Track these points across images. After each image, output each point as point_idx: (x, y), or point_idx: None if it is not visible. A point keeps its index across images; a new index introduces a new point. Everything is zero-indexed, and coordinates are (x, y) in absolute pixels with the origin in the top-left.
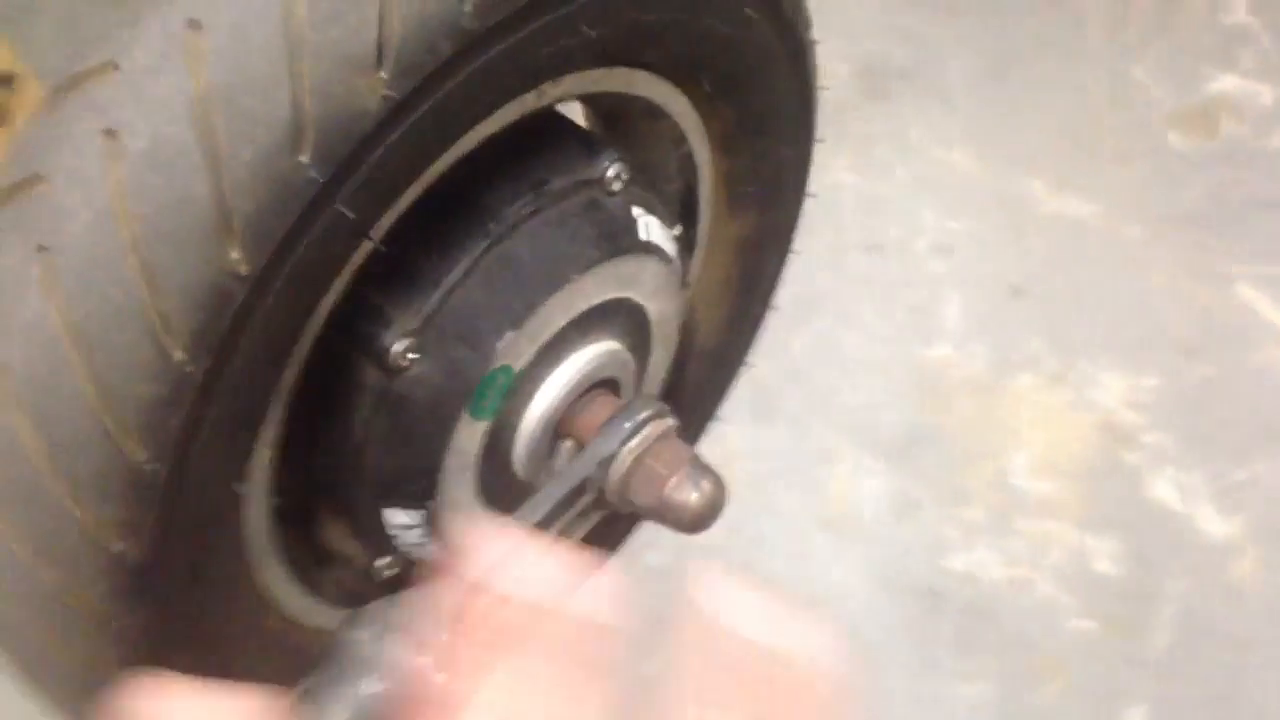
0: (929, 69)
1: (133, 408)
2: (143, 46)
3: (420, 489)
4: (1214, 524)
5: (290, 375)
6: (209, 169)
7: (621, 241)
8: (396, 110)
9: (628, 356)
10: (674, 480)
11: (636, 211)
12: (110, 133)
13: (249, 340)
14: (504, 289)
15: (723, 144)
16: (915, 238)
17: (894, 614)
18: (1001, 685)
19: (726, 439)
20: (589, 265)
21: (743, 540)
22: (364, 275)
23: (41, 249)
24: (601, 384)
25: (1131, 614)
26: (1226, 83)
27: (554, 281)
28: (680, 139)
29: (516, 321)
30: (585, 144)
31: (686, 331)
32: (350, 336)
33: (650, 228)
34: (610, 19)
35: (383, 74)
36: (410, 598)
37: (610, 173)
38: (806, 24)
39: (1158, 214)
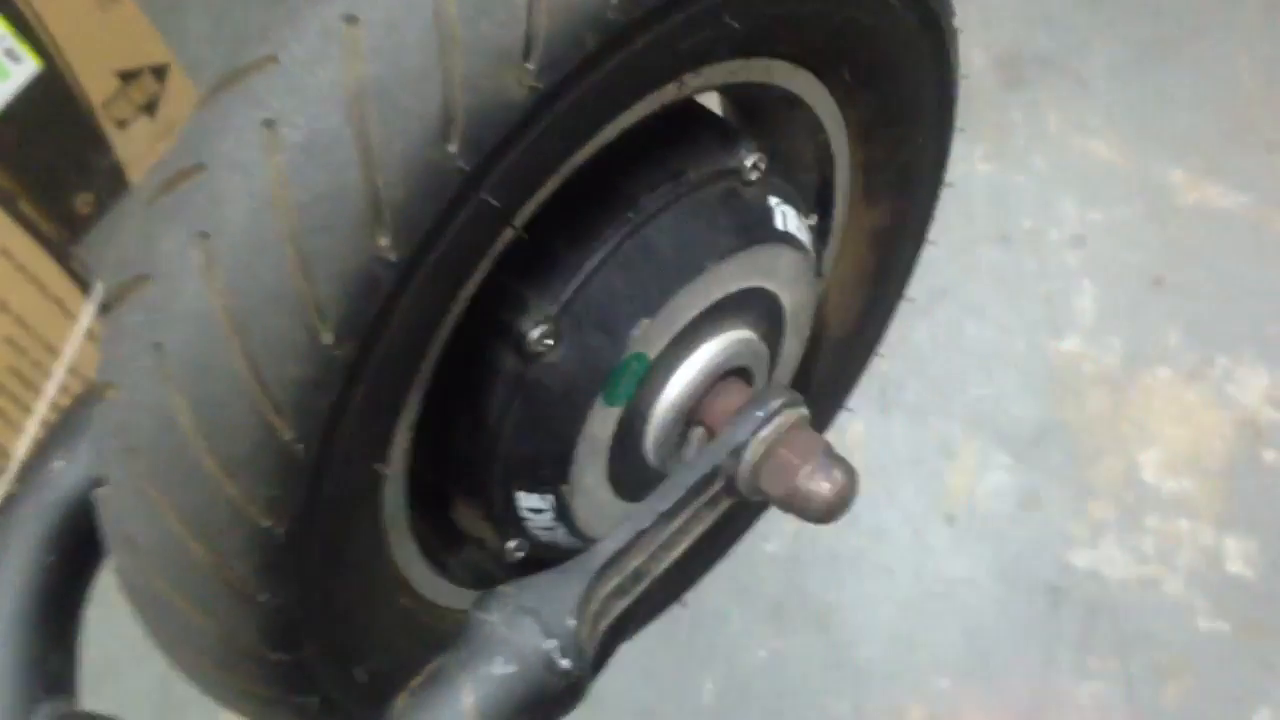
0: (1071, 55)
1: (284, 389)
2: (300, 40)
3: (552, 474)
4: None
5: (431, 359)
6: (362, 159)
7: (758, 231)
8: (542, 101)
9: (761, 345)
10: (806, 469)
11: (773, 201)
12: (269, 123)
13: (395, 325)
14: (640, 277)
15: (861, 134)
16: (1049, 228)
17: (1016, 610)
18: (1125, 685)
19: (847, 428)
20: (725, 254)
21: (862, 532)
22: (504, 262)
23: (202, 235)
24: (734, 372)
25: (1265, 616)
26: None
27: (690, 270)
28: (818, 128)
29: (651, 309)
30: (724, 134)
31: (819, 321)
32: (489, 322)
33: (787, 217)
34: (752, 10)
35: (530, 66)
36: (540, 582)
37: (748, 163)
38: (950, 12)
39: None
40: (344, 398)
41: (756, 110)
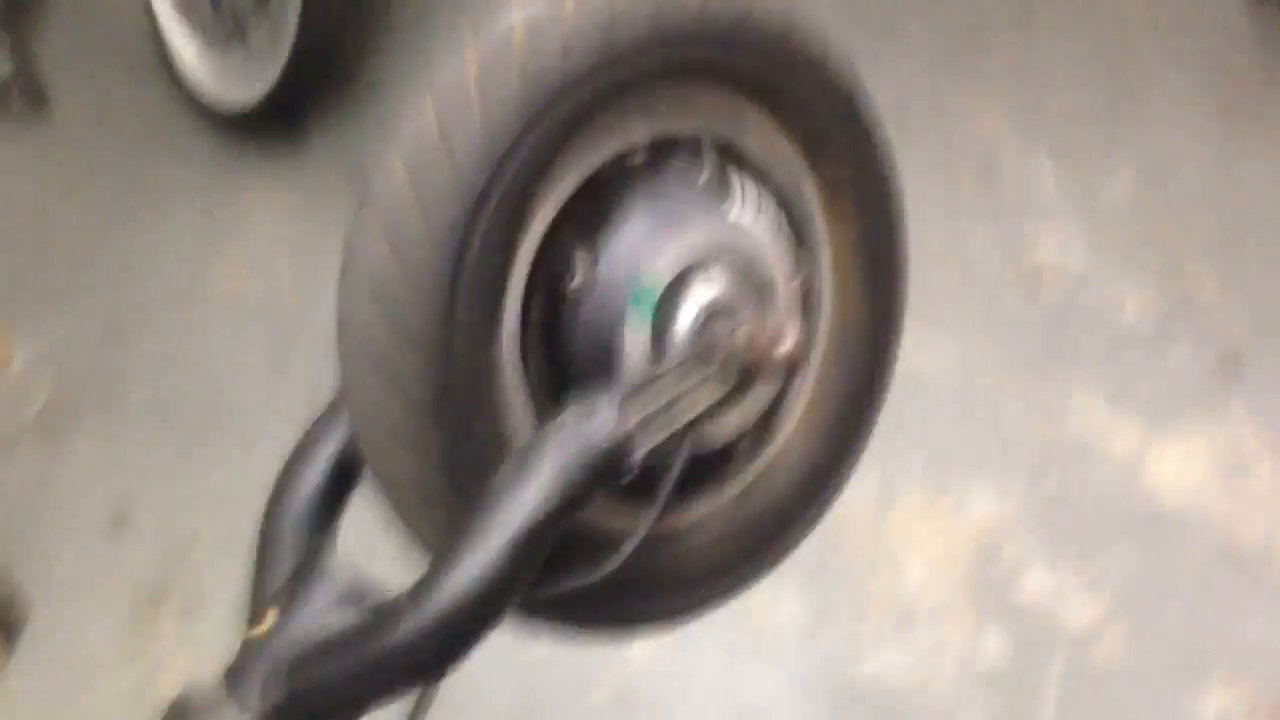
0: None
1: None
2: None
3: (609, 370)
4: (1080, 612)
5: (518, 283)
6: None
7: (716, 211)
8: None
9: (748, 294)
10: (769, 333)
11: (735, 189)
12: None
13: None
14: (646, 236)
15: (808, 158)
16: None
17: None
18: None
19: None
20: (696, 224)
21: (674, 669)
22: (564, 229)
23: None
24: (725, 311)
25: (1020, 702)
26: (1045, 249)
27: (675, 233)
28: (778, 148)
29: (652, 256)
30: (691, 152)
31: (837, 310)
32: (559, 271)
33: (739, 202)
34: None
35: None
36: (596, 395)
37: (707, 168)
38: (847, 70)
39: (1000, 361)
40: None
41: (727, 135)
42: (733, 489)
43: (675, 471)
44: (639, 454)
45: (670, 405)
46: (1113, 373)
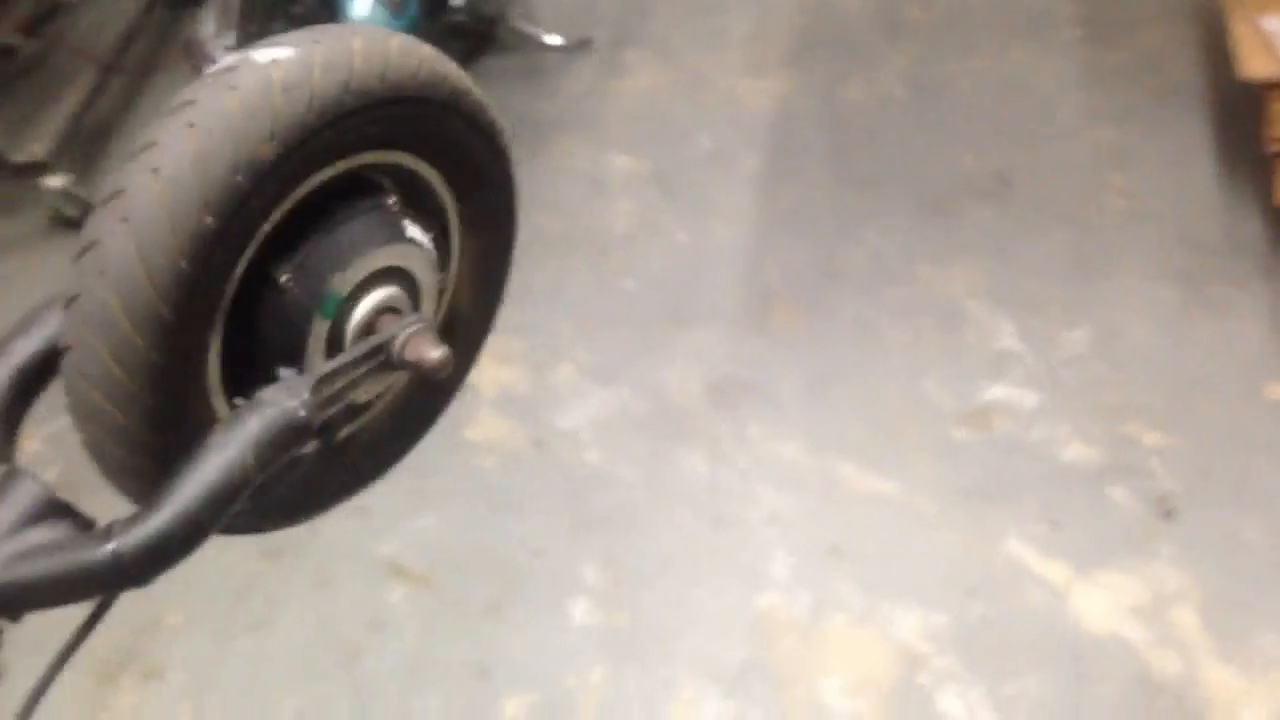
0: (765, 383)
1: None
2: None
3: (296, 356)
4: None
5: (229, 292)
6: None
7: (396, 235)
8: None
9: (405, 298)
10: (424, 346)
11: (405, 222)
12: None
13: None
14: (336, 253)
15: (455, 193)
16: (750, 510)
17: None
18: None
19: (588, 677)
20: (378, 245)
21: None
22: (270, 243)
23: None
24: (392, 310)
25: None
26: (998, 391)
27: (360, 252)
28: (432, 187)
29: (342, 268)
30: (378, 187)
31: (456, 299)
32: (262, 273)
33: (412, 230)
34: (376, 127)
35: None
36: (291, 379)
37: (389, 201)
38: (499, 130)
39: (945, 489)
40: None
41: (401, 175)
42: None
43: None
44: (316, 425)
45: (344, 391)
46: (1050, 508)
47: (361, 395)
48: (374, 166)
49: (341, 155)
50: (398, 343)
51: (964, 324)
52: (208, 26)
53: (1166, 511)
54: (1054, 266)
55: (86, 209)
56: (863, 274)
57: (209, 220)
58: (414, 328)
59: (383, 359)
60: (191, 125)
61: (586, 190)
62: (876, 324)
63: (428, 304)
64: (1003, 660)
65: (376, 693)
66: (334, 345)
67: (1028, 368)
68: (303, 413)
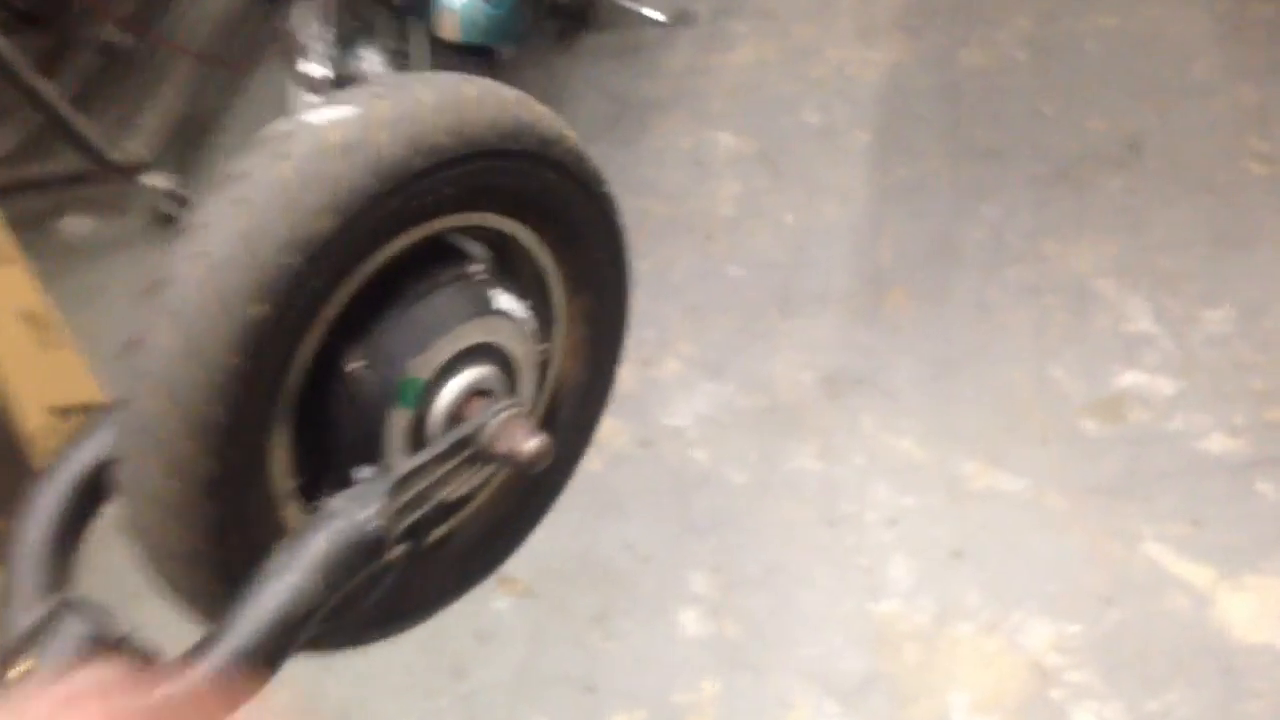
0: (879, 373)
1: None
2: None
3: (374, 452)
4: None
5: (292, 387)
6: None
7: (483, 308)
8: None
9: (500, 378)
10: (518, 436)
11: (492, 291)
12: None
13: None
14: (413, 334)
15: (555, 251)
16: (867, 511)
17: None
18: None
19: (699, 693)
20: (462, 321)
21: None
22: (339, 328)
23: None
24: (482, 393)
25: None
26: (1131, 378)
27: (442, 329)
28: (526, 250)
29: (420, 351)
30: (461, 255)
31: (561, 374)
32: (332, 363)
33: (502, 300)
34: (461, 184)
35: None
36: (361, 487)
37: (473, 269)
38: (599, 180)
39: (1076, 486)
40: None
41: (489, 237)
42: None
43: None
44: (398, 535)
45: (429, 490)
46: (1192, 505)
47: (453, 492)
48: (456, 231)
49: (415, 222)
50: (486, 434)
51: (1093, 305)
52: (306, 21)
53: None
54: (1190, 240)
55: (186, 203)
56: (982, 253)
57: (262, 308)
58: (504, 414)
59: (471, 452)
60: (239, 201)
61: (690, 172)
62: (998, 307)
63: (526, 382)
64: (1143, 673)
65: (485, 708)
66: (417, 438)
67: (1164, 352)
68: (375, 525)
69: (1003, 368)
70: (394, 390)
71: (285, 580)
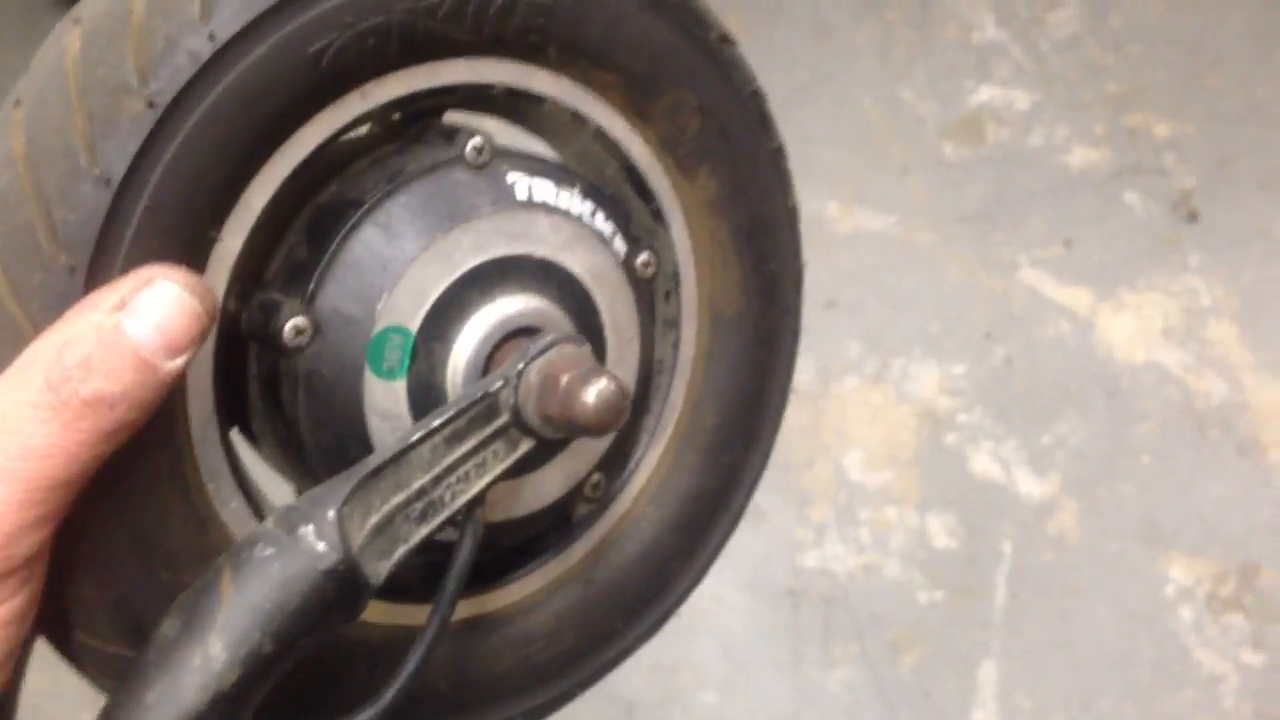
0: None
1: None
2: None
3: (359, 452)
4: (1032, 485)
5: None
6: (38, 201)
7: (495, 203)
8: (165, 118)
9: (551, 307)
10: (568, 381)
11: (513, 176)
12: None
13: None
14: (373, 262)
15: (632, 111)
16: None
17: (762, 617)
18: (867, 665)
19: None
20: (450, 228)
21: None
22: (248, 275)
23: None
24: (523, 331)
25: (972, 580)
26: (985, 94)
27: (418, 246)
28: (580, 118)
29: (390, 284)
30: (444, 134)
31: (710, 303)
32: (256, 332)
33: (535, 189)
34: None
35: (147, 89)
36: (313, 491)
37: (469, 147)
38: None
39: (945, 216)
40: None
41: (503, 106)
42: (579, 550)
43: (459, 569)
44: (380, 571)
45: (429, 489)
46: (1062, 225)
47: (488, 479)
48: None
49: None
50: (526, 389)
51: (937, 15)
52: None
53: (1189, 213)
54: None
55: None
56: None
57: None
58: (544, 354)
59: (505, 422)
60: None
61: None
62: (838, 27)
63: (619, 318)
64: (1033, 407)
65: None
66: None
67: (1014, 61)
68: (317, 566)
69: (851, 94)
70: (359, 352)
71: (190, 659)
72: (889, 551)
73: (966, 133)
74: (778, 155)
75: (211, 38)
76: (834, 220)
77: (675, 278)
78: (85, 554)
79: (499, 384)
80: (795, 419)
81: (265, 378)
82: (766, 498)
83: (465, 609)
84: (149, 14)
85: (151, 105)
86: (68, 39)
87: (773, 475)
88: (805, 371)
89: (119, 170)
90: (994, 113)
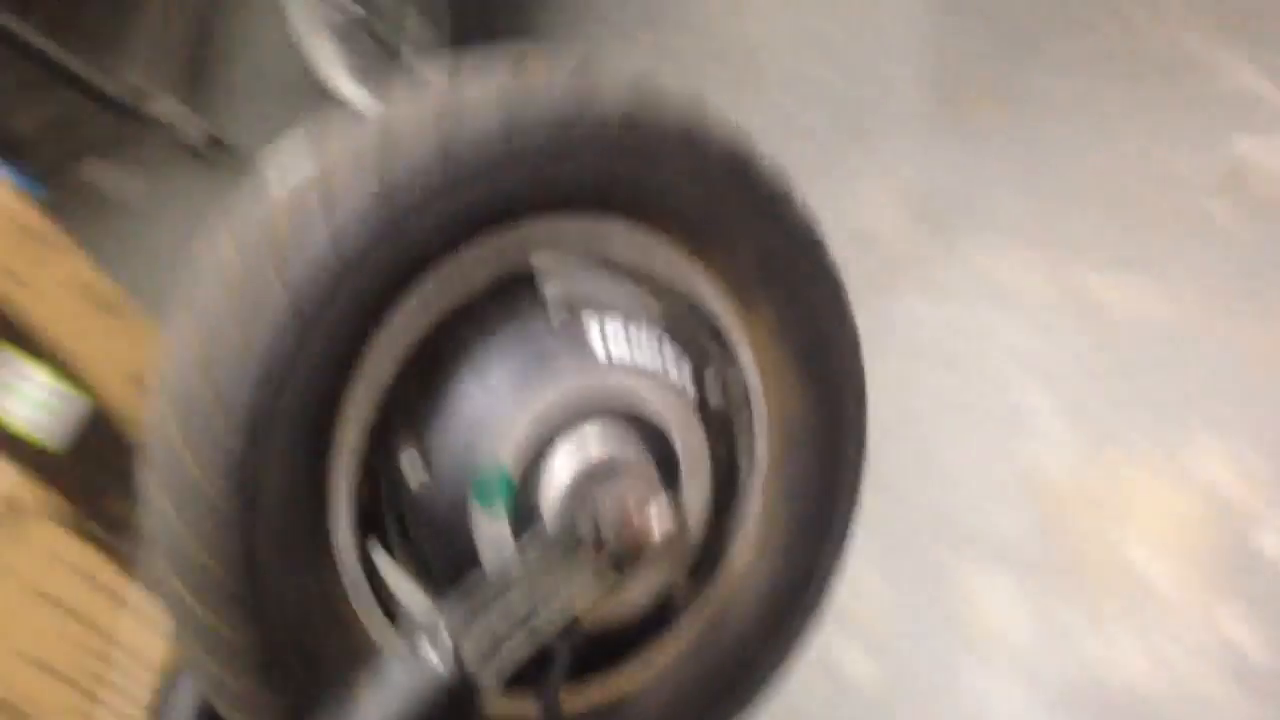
0: (974, 194)
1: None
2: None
3: (472, 568)
4: None
5: (341, 508)
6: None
7: (576, 364)
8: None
9: (629, 448)
10: (634, 508)
11: (590, 321)
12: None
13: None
14: (476, 416)
15: (695, 256)
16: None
17: None
18: None
19: (861, 589)
20: (541, 385)
21: (892, 669)
22: (382, 427)
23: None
24: (604, 470)
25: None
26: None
27: (514, 404)
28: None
29: (490, 435)
30: (534, 298)
31: (782, 427)
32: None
33: (613, 347)
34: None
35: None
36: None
37: (548, 292)
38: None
39: (1217, 280)
40: None
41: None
42: (687, 632)
43: (557, 677)
44: (491, 682)
45: (528, 617)
46: None
47: (580, 603)
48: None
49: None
50: (604, 524)
51: (1195, 76)
52: None
53: None
54: None
55: (201, 128)
56: (1061, 34)
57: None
58: (614, 492)
59: (591, 552)
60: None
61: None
62: (1095, 91)
63: (693, 453)
64: None
65: None
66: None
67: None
68: (438, 685)
69: (1110, 160)
70: (463, 490)
71: None
72: (1191, 664)
73: (1229, 188)
74: (837, 289)
75: None
76: (1096, 290)
77: (745, 398)
78: None
79: (574, 520)
80: (1069, 503)
81: (394, 507)
82: (1046, 579)
83: (593, 695)
84: None
85: None
86: None
87: (1056, 574)
88: (1078, 455)
89: None
90: (1256, 165)
